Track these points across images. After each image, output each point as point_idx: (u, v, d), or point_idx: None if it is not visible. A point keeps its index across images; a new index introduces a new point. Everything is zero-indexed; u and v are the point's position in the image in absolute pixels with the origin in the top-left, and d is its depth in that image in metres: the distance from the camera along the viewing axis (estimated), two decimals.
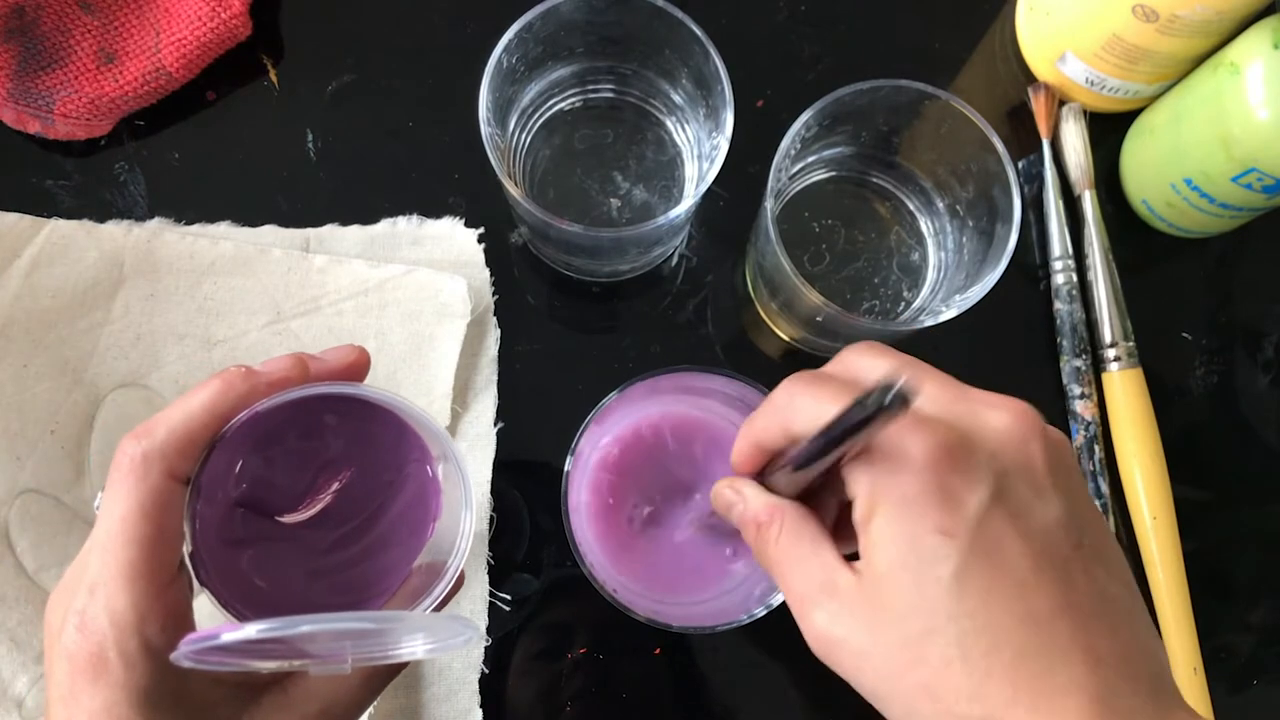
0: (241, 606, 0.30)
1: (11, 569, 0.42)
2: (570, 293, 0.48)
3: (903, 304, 0.47)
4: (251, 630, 0.24)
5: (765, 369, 0.48)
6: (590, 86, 0.47)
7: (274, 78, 0.49)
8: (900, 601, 0.25)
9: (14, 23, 0.47)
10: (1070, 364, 0.47)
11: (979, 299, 0.39)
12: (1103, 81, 0.47)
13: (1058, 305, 0.48)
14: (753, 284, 0.48)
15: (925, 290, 0.46)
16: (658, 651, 0.45)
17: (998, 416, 0.26)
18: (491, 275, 0.47)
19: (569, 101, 0.47)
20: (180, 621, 0.29)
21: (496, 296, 0.47)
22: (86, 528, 0.43)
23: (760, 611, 0.38)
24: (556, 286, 0.48)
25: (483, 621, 0.44)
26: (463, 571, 0.31)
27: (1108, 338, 0.47)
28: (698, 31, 0.40)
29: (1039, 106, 0.49)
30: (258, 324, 0.46)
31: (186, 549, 0.29)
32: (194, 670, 0.26)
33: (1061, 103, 0.49)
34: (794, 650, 0.45)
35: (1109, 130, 0.49)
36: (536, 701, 0.45)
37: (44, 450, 0.43)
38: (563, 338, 0.48)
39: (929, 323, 0.40)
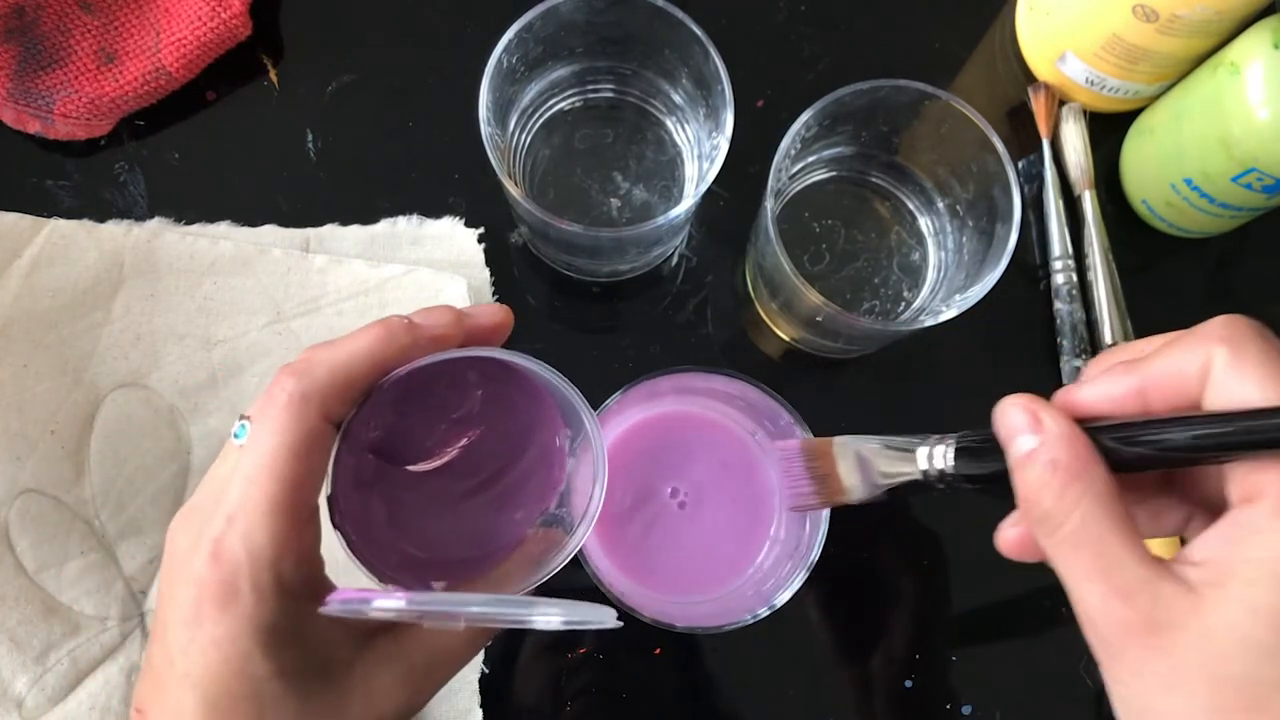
0: (369, 553, 0.30)
1: (11, 569, 0.42)
2: (570, 293, 0.48)
3: (903, 304, 0.47)
4: (402, 602, 0.24)
5: (765, 369, 0.48)
6: (590, 86, 0.47)
7: (274, 78, 0.49)
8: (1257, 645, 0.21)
9: (14, 22, 0.47)
10: (1070, 364, 0.47)
11: (979, 299, 0.39)
12: (1103, 81, 0.47)
13: (1058, 305, 0.48)
14: (753, 284, 0.48)
15: (925, 290, 0.46)
16: (658, 651, 0.45)
17: None
18: (491, 275, 0.47)
19: (569, 101, 0.47)
20: (311, 560, 0.29)
21: (496, 296, 0.47)
22: (86, 527, 0.43)
23: (764, 611, 0.38)
24: (556, 286, 0.48)
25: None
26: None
27: (1108, 338, 0.47)
28: (698, 31, 0.40)
29: (1039, 106, 0.49)
30: (258, 324, 0.46)
31: (326, 492, 0.29)
32: (320, 613, 0.26)
33: (1061, 103, 0.49)
34: (795, 650, 0.46)
35: (1109, 130, 0.49)
36: (537, 701, 0.45)
37: (44, 450, 0.43)
38: (563, 338, 0.48)
39: (929, 323, 0.40)
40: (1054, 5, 0.47)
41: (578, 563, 0.38)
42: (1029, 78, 0.50)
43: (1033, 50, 0.50)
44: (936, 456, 0.30)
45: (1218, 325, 0.24)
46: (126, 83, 0.47)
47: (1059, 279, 0.48)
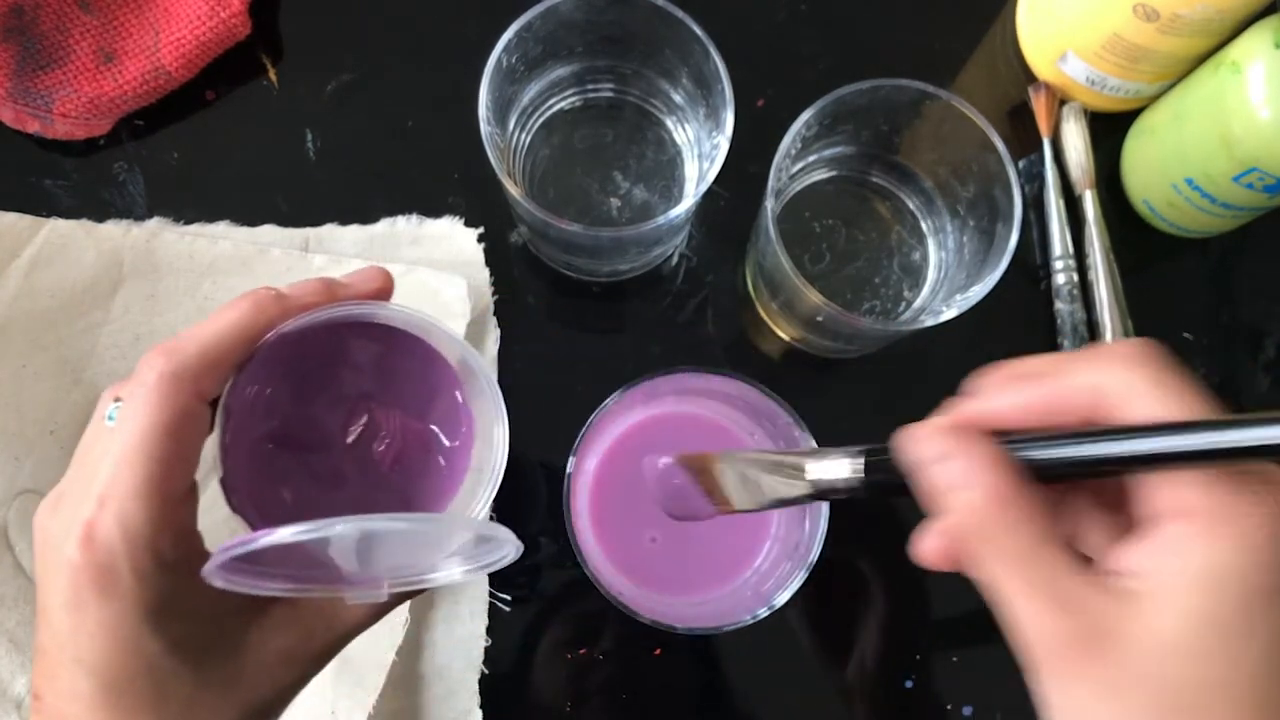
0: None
1: (10, 569, 0.42)
2: (570, 293, 0.48)
3: (903, 304, 0.46)
4: (286, 533, 0.24)
5: (765, 369, 0.48)
6: (590, 86, 0.47)
7: (273, 77, 0.49)
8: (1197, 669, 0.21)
9: (13, 22, 0.47)
10: None
11: (980, 299, 0.39)
12: (1104, 81, 0.47)
13: (1058, 305, 0.48)
14: (753, 284, 0.48)
15: (926, 290, 0.46)
16: (658, 652, 0.45)
17: None
18: (491, 275, 0.47)
19: (569, 101, 0.47)
20: (190, 535, 0.29)
21: (496, 296, 0.47)
22: None
23: (764, 612, 0.38)
24: (556, 286, 0.48)
25: (482, 622, 0.44)
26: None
27: (1109, 338, 0.47)
28: (698, 31, 0.40)
29: (1040, 106, 0.49)
30: None
31: (218, 475, 0.29)
32: (207, 584, 0.26)
33: (1062, 102, 0.49)
34: (795, 650, 0.45)
35: (1110, 130, 0.49)
36: (536, 702, 0.44)
37: (43, 450, 0.43)
38: (563, 338, 0.48)
39: (929, 323, 0.40)
40: (1055, 5, 0.47)
41: (576, 563, 0.38)
42: (1030, 77, 0.50)
43: (1033, 50, 0.49)
44: (839, 470, 0.29)
45: (1133, 347, 0.24)
46: (125, 82, 0.47)
47: (1060, 279, 0.48)
